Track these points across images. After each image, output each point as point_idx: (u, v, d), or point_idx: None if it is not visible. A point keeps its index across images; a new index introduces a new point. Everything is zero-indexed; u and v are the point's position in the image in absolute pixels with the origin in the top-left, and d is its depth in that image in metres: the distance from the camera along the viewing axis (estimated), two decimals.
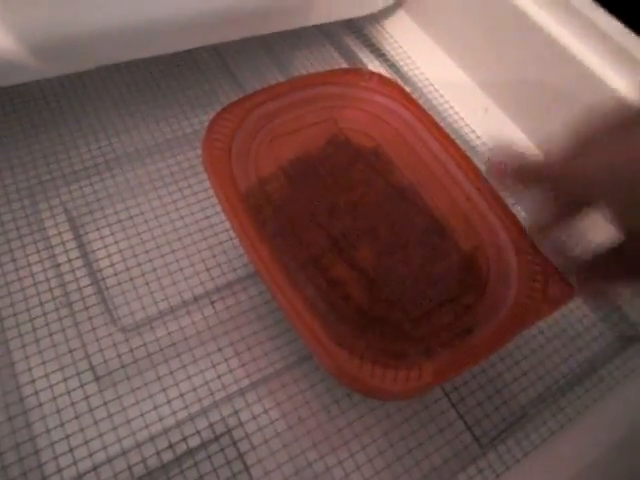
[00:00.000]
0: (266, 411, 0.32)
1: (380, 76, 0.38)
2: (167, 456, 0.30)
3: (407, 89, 0.38)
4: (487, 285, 0.31)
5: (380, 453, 0.31)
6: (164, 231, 0.37)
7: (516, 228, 0.32)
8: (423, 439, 0.32)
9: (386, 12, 0.51)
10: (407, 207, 0.34)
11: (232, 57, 0.47)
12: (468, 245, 0.33)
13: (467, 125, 0.46)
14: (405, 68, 0.49)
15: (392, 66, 0.49)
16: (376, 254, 0.32)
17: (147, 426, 0.30)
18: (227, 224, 0.38)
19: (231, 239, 0.37)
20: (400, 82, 0.48)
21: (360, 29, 0.51)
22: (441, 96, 0.47)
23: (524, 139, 0.45)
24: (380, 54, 0.50)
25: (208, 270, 0.36)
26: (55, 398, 0.31)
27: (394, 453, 0.31)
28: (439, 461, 0.32)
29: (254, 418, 0.31)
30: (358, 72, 0.37)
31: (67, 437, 0.29)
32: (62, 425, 0.30)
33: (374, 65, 0.49)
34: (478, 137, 0.45)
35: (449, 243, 0.33)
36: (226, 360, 0.33)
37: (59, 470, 0.29)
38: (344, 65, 0.49)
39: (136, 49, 0.39)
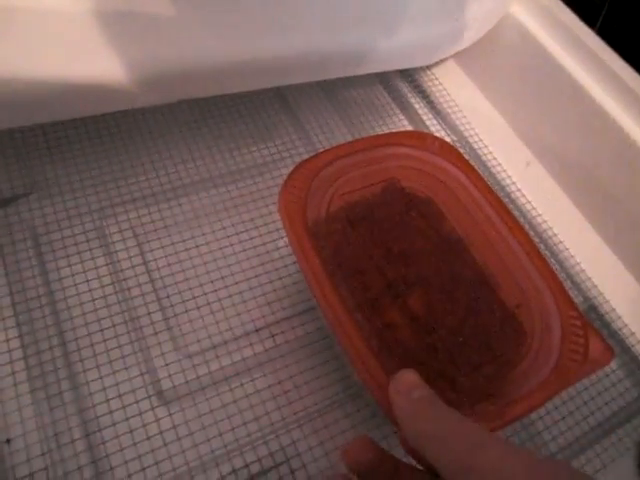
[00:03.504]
0: (321, 443, 0.34)
1: (442, 141, 0.39)
2: None
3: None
4: (528, 343, 0.34)
5: None
6: (227, 262, 0.39)
7: (559, 290, 0.35)
8: None
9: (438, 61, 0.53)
10: (456, 259, 0.36)
11: (291, 93, 0.50)
12: (511, 302, 0.35)
13: (509, 177, 0.49)
14: (452, 115, 0.52)
15: (438, 113, 0.52)
16: (426, 302, 0.34)
17: (212, 451, 0.33)
18: (286, 260, 0.40)
19: (290, 275, 0.40)
20: (443, 124, 0.51)
21: (411, 73, 0.53)
22: (485, 146, 0.50)
23: (563, 196, 0.48)
24: (427, 99, 0.53)
25: (269, 304, 0.38)
26: (128, 419, 0.33)
27: None
28: None
29: (310, 449, 0.34)
30: (422, 136, 0.39)
31: (139, 457, 0.32)
32: (134, 445, 0.32)
33: (419, 106, 0.52)
34: (519, 189, 0.48)
35: (493, 298, 0.35)
36: (285, 393, 0.35)
37: None
38: (394, 107, 0.52)
39: (209, 88, 0.41)
